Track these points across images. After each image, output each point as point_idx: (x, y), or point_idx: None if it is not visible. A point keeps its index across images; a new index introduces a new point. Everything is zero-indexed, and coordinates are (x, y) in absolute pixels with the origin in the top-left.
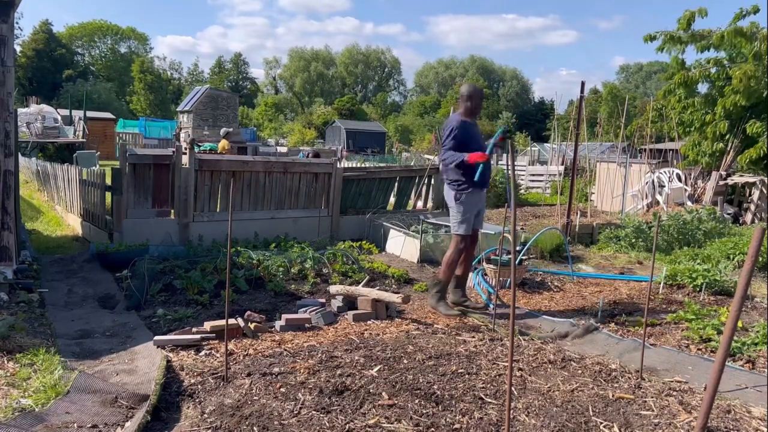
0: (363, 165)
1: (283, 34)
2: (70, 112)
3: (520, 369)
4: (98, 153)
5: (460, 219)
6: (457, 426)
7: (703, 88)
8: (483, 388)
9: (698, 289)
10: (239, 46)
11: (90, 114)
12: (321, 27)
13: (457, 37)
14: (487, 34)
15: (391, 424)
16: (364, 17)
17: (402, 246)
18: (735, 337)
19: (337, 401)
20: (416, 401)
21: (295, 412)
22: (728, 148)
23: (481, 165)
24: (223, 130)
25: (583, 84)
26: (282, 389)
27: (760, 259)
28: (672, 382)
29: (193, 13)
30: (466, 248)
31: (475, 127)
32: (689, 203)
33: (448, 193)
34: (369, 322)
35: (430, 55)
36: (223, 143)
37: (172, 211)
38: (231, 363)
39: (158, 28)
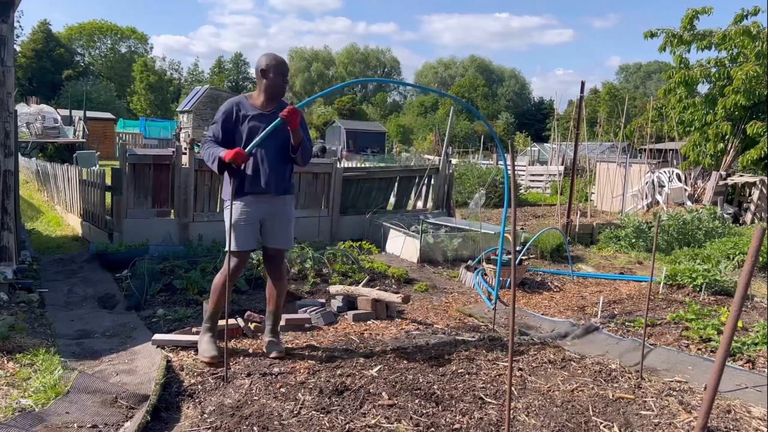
0: (363, 165)
1: (276, 34)
2: (70, 112)
3: (520, 369)
4: (98, 153)
5: (227, 229)
6: (457, 426)
7: (703, 88)
8: (483, 388)
9: (698, 289)
10: (232, 45)
11: (90, 114)
12: (313, 26)
13: (452, 36)
14: (481, 33)
15: (391, 424)
16: (356, 16)
17: (402, 246)
18: (735, 337)
19: (337, 401)
20: (416, 401)
21: (295, 412)
22: (728, 149)
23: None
24: None
25: (582, 84)
26: (282, 389)
27: (760, 259)
28: (672, 382)
29: (184, 12)
30: (238, 268)
31: (265, 117)
32: (689, 203)
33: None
34: (369, 322)
35: (426, 54)
36: None
37: (172, 210)
38: (231, 363)
39: (152, 27)
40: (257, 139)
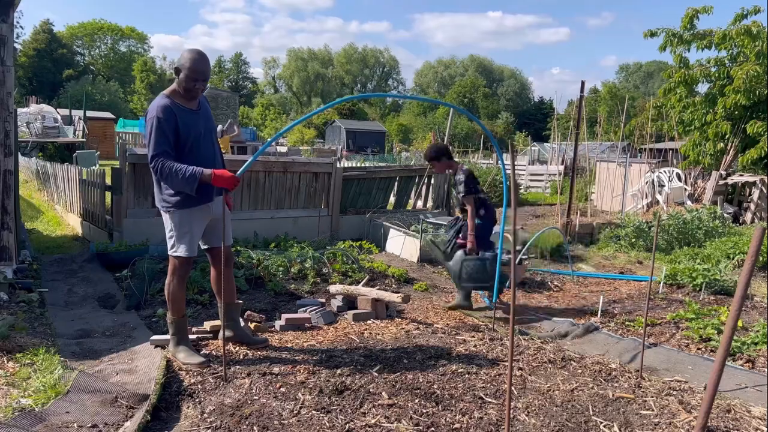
0: (363, 165)
1: (270, 32)
2: (70, 112)
3: (520, 368)
4: (98, 153)
5: (177, 235)
6: (457, 426)
7: (703, 87)
8: (483, 387)
9: (698, 289)
10: (225, 44)
11: (90, 114)
12: (305, 25)
13: (445, 35)
14: (474, 32)
15: (391, 423)
16: (347, 16)
17: (402, 245)
18: (735, 337)
19: (337, 401)
20: (416, 401)
21: (295, 411)
22: (728, 148)
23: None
24: (219, 128)
25: (582, 83)
26: (282, 389)
27: (760, 258)
28: (672, 381)
29: (175, 10)
30: (187, 273)
31: (196, 116)
32: (689, 203)
33: (157, 194)
34: (369, 321)
35: (420, 52)
36: (224, 141)
37: None
38: (231, 363)
39: (146, 26)
40: (246, 164)
